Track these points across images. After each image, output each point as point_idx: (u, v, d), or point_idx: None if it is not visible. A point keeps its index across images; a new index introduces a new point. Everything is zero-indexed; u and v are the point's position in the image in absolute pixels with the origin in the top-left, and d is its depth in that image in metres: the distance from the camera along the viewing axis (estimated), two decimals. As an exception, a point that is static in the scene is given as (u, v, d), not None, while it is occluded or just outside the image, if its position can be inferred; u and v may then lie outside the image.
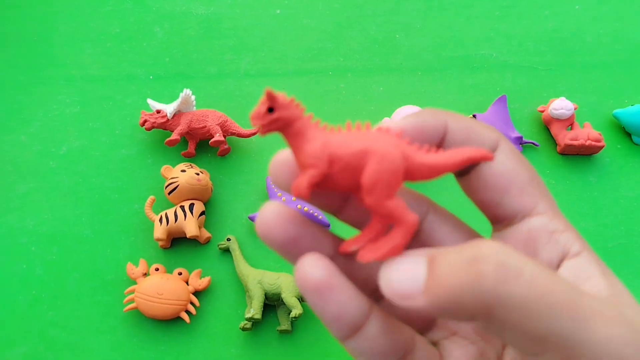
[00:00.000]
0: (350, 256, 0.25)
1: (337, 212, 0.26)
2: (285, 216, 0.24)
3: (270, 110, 0.22)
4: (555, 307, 0.18)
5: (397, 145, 0.23)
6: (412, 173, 0.24)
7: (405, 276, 0.20)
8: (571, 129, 0.58)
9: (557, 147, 0.59)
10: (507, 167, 0.24)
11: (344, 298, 0.23)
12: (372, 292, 0.26)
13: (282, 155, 0.24)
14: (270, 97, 0.22)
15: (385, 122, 0.57)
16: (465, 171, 0.25)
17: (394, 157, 0.23)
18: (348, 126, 0.24)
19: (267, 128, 0.23)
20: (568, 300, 0.18)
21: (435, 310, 0.19)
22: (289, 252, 0.24)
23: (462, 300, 0.18)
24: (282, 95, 0.22)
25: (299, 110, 0.23)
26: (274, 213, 0.24)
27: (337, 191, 0.24)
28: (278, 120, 0.22)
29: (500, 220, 0.24)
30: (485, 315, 0.18)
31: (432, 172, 0.24)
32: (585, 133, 0.58)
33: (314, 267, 0.22)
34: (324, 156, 0.22)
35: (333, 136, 0.23)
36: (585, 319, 0.18)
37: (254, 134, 0.55)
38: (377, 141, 0.23)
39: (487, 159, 0.24)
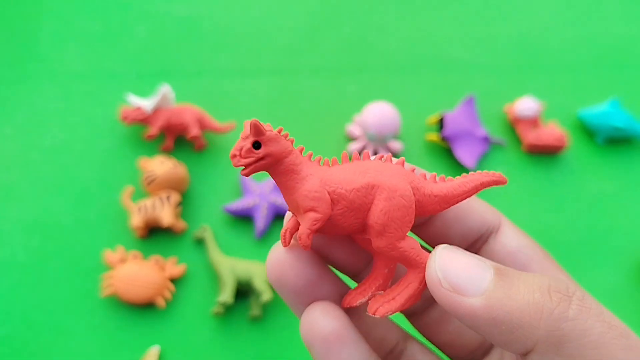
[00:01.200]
0: (357, 310, 0.22)
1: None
2: (302, 258, 0.21)
3: (256, 145, 0.19)
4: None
5: (405, 176, 0.20)
6: (423, 206, 0.21)
7: (468, 272, 0.18)
8: (535, 127, 0.61)
9: (522, 145, 0.61)
10: (520, 243, 0.23)
11: (355, 355, 0.20)
12: (387, 355, 0.24)
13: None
14: (257, 130, 0.19)
15: (356, 118, 0.59)
16: (471, 246, 0.23)
17: (404, 190, 0.20)
18: (344, 157, 0.21)
19: (252, 168, 0.19)
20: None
21: (486, 318, 0.17)
22: (303, 299, 0.21)
23: (527, 320, 0.17)
24: (269, 127, 0.19)
25: (289, 143, 0.20)
26: (287, 253, 0.21)
27: (337, 234, 0.21)
28: (266, 157, 0.19)
29: None
30: (550, 344, 0.17)
31: (444, 203, 0.21)
32: (548, 132, 0.60)
33: (325, 317, 0.20)
34: (325, 196, 0.19)
35: (331, 171, 0.20)
36: None
37: (229, 128, 0.57)
38: (381, 173, 0.20)
39: (501, 183, 0.22)
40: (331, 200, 0.19)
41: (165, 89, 0.55)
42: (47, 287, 0.51)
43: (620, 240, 0.57)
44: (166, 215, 0.51)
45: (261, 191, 0.54)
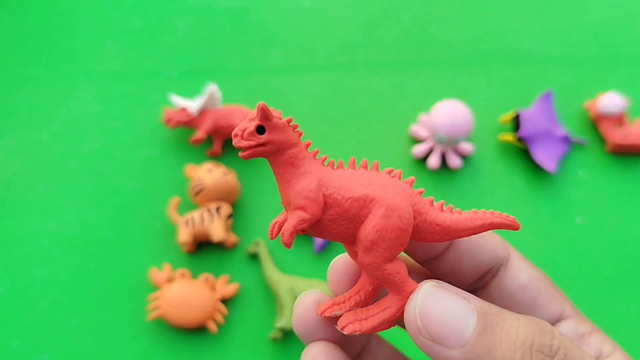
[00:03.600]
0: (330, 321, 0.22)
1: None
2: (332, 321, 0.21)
3: (260, 130, 0.18)
4: None
5: (409, 197, 0.20)
6: (422, 233, 0.20)
7: (449, 321, 0.17)
8: (620, 126, 0.55)
9: (606, 145, 0.55)
10: (529, 276, 0.23)
11: None
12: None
13: (341, 261, 0.22)
14: (264, 115, 0.18)
15: (422, 118, 0.54)
16: (478, 286, 0.24)
17: (404, 211, 0.19)
18: (352, 163, 0.20)
19: (251, 152, 0.19)
20: None
21: None
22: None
23: None
24: (277, 113, 0.19)
25: (295, 135, 0.19)
26: (313, 308, 0.21)
27: (324, 238, 0.20)
28: (267, 144, 0.18)
29: None
30: None
31: (445, 235, 0.20)
32: (636, 131, 0.54)
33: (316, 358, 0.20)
34: (319, 198, 0.19)
35: (332, 173, 0.19)
36: None
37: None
38: (385, 188, 0.19)
39: (513, 228, 0.21)
40: (325, 203, 0.19)
41: (211, 89, 0.51)
42: (89, 309, 0.46)
43: None
44: (216, 229, 0.46)
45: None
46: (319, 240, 0.48)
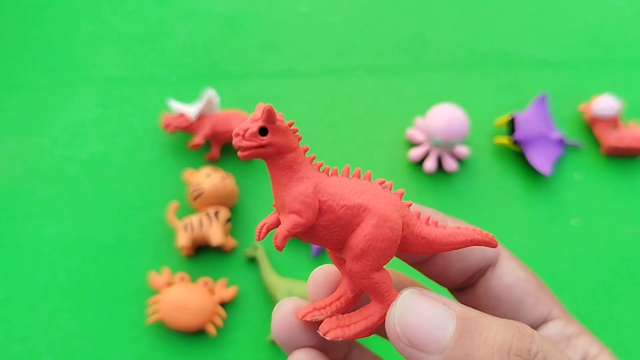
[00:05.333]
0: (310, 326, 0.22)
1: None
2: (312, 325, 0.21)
3: (262, 131, 0.18)
4: None
5: (399, 209, 0.20)
6: (407, 244, 0.20)
7: (428, 327, 0.17)
8: (615, 128, 0.55)
9: (601, 148, 0.55)
10: (516, 276, 0.23)
11: None
12: None
13: (321, 272, 0.22)
14: (269, 116, 0.18)
15: (418, 122, 0.54)
16: (466, 285, 0.24)
17: (395, 222, 0.19)
18: (346, 171, 0.21)
19: (251, 152, 0.18)
20: None
21: None
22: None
23: None
24: (281, 117, 0.19)
25: (296, 140, 0.20)
26: (292, 315, 0.21)
27: (313, 244, 0.21)
28: (269, 146, 0.19)
29: None
30: None
31: (429, 248, 0.21)
32: (631, 133, 0.54)
33: None
34: (315, 203, 0.19)
35: (328, 180, 0.20)
36: None
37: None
38: (377, 198, 0.20)
39: (491, 245, 0.22)
40: (319, 209, 0.19)
41: (209, 94, 0.51)
42: (89, 313, 0.47)
43: None
44: (215, 234, 0.47)
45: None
46: (316, 244, 0.48)
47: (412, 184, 0.53)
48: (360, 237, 0.19)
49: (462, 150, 0.53)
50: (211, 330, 0.46)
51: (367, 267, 0.19)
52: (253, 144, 0.18)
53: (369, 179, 0.20)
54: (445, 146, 0.51)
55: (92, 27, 0.60)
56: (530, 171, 0.54)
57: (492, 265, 0.24)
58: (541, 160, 0.53)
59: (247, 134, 0.18)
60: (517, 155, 0.55)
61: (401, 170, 0.54)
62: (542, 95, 0.55)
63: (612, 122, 0.55)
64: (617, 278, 0.50)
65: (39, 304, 0.47)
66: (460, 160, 0.54)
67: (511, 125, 0.54)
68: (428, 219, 0.21)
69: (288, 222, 0.19)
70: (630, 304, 0.49)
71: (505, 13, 0.62)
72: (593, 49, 0.60)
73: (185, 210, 0.50)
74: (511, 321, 0.18)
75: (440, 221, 0.22)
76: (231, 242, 0.49)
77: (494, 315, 0.20)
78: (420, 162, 0.54)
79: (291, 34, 0.60)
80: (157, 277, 0.47)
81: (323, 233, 0.19)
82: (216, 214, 0.48)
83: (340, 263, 0.21)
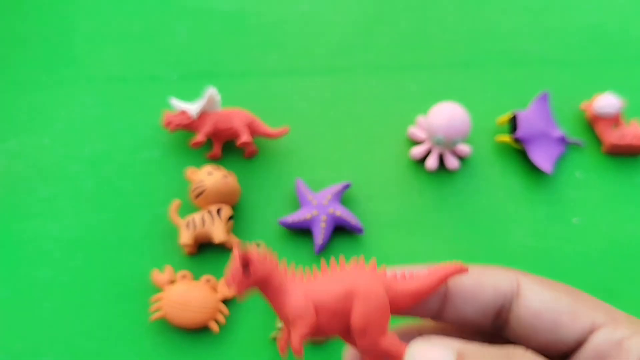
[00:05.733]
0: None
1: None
2: None
3: (246, 269, 0.22)
4: None
5: (377, 279, 0.23)
6: (397, 304, 0.23)
7: None
8: (617, 127, 0.55)
9: (603, 146, 0.55)
10: (541, 300, 0.23)
11: None
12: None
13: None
14: (244, 258, 0.21)
15: (420, 120, 0.54)
16: (500, 325, 0.24)
17: (377, 293, 0.22)
18: (323, 267, 0.23)
19: (244, 290, 0.22)
20: None
21: None
22: None
23: None
24: (254, 251, 0.22)
25: (274, 264, 0.23)
26: None
27: (327, 336, 0.23)
28: (255, 281, 0.22)
29: (565, 353, 0.22)
30: None
31: (415, 298, 0.23)
32: (632, 132, 0.54)
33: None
34: (310, 307, 0.22)
35: (312, 284, 0.23)
36: None
37: (282, 134, 0.52)
38: (356, 279, 0.22)
39: (461, 271, 0.23)
40: (315, 309, 0.22)
41: (211, 92, 0.51)
42: (92, 311, 0.47)
43: None
44: (217, 231, 0.47)
45: (319, 202, 0.49)
46: (318, 241, 0.48)
47: (413, 182, 0.53)
48: (357, 317, 0.22)
49: (464, 148, 0.53)
50: (214, 327, 0.46)
51: (374, 337, 0.22)
52: (244, 285, 0.21)
53: (342, 265, 0.23)
54: (447, 144, 0.51)
55: (93, 25, 0.60)
56: (532, 169, 0.54)
57: (515, 297, 0.23)
58: (542, 158, 0.53)
59: (237, 281, 0.21)
60: (519, 153, 0.55)
61: (403, 169, 0.54)
62: (544, 93, 0.55)
63: (614, 120, 0.55)
64: (619, 276, 0.50)
65: (41, 302, 0.47)
66: (461, 158, 0.54)
67: (512, 124, 0.54)
68: (404, 275, 0.23)
69: (297, 331, 0.22)
70: (632, 302, 0.49)
71: (506, 11, 0.62)
72: (595, 47, 0.60)
73: (187, 208, 0.50)
74: (505, 348, 0.19)
75: (408, 271, 0.24)
76: (233, 239, 0.49)
77: (536, 344, 0.21)
78: (422, 160, 0.54)
79: (292, 32, 0.60)
80: (159, 275, 0.47)
81: (327, 327, 0.22)
82: (218, 211, 0.48)
83: (354, 343, 0.24)
